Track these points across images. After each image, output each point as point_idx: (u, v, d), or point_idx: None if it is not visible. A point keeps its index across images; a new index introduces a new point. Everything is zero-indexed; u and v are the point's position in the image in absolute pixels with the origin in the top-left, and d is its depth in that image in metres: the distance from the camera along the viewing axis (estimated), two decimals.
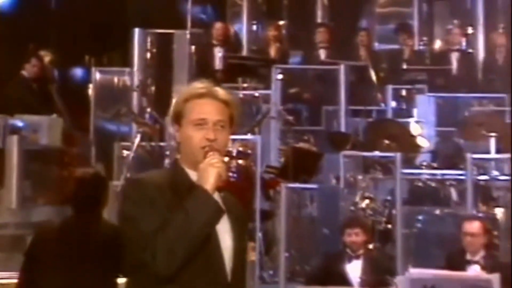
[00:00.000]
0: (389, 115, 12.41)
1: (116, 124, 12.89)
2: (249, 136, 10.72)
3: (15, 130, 11.76)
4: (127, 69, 13.45)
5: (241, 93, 11.82)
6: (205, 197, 3.56)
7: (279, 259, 9.55)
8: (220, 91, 3.80)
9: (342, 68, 12.02)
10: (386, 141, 10.65)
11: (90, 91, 13.62)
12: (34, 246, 6.07)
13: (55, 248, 5.84)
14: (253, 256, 9.41)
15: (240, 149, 10.27)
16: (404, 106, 12.58)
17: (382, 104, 12.57)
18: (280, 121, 11.51)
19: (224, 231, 3.69)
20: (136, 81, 13.19)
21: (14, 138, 11.65)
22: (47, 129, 12.15)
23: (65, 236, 5.89)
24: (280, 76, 12.03)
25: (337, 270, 8.55)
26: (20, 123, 11.85)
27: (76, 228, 5.91)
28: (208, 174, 3.58)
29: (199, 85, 3.81)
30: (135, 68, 13.34)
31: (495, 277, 8.35)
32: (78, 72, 14.19)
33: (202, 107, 3.73)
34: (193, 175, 3.68)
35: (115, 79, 13.60)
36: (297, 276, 9.73)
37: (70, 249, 5.77)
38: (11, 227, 11.31)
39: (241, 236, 3.80)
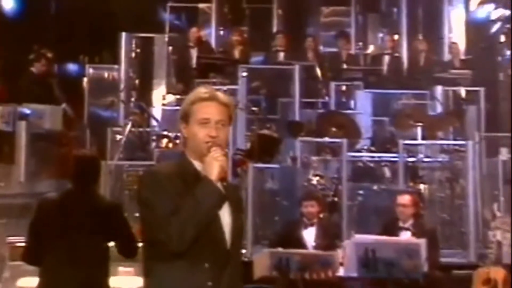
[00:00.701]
0: (332, 106, 12.34)
1: (108, 111, 12.98)
2: None
3: (23, 116, 11.69)
4: (115, 66, 13.40)
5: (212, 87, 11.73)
6: (210, 186, 3.59)
7: (247, 226, 9.44)
8: (220, 95, 3.81)
9: (296, 67, 12.03)
10: (334, 129, 10.67)
11: (84, 84, 13.54)
12: (37, 214, 5.98)
13: (55, 216, 5.80)
14: None
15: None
16: (344, 99, 12.56)
17: (326, 97, 12.48)
18: (246, 111, 11.47)
19: (224, 211, 3.71)
20: (122, 78, 13.26)
21: (23, 123, 11.61)
22: (50, 115, 12.12)
23: (64, 206, 5.84)
24: (244, 74, 12.03)
25: (295, 235, 8.62)
26: (27, 111, 11.78)
27: (73, 199, 5.84)
28: (213, 166, 3.60)
29: (203, 90, 3.82)
30: (122, 65, 13.30)
31: (422, 241, 8.50)
32: (74, 68, 14.09)
33: (206, 109, 3.72)
34: (198, 165, 3.69)
35: (106, 74, 13.53)
36: (261, 240, 9.74)
37: (68, 217, 5.73)
38: (20, 197, 11.25)
39: (238, 215, 3.81)
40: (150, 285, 3.77)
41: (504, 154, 10.91)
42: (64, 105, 12.04)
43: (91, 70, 13.59)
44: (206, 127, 3.70)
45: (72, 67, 13.98)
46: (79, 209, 5.78)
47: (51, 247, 5.71)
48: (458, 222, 9.77)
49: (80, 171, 5.93)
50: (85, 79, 13.59)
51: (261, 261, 8.62)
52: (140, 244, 5.10)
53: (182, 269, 3.62)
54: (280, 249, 8.23)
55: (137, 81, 13.48)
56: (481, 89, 12.55)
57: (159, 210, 3.61)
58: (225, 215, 3.72)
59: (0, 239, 10.51)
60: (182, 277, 3.63)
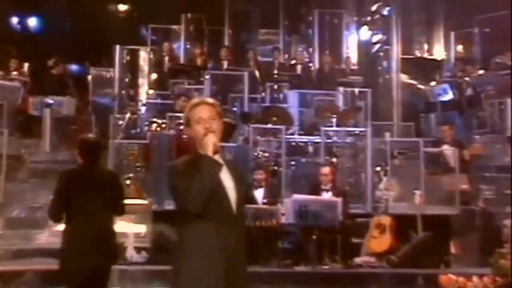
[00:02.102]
0: (267, 101, 12.14)
1: (109, 101, 12.76)
2: None
3: (48, 105, 11.54)
4: (111, 69, 13.18)
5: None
6: (208, 159, 3.55)
7: None
8: (207, 99, 3.82)
9: (246, 73, 11.87)
10: (274, 118, 10.59)
11: (89, 81, 13.34)
12: (59, 184, 5.69)
13: (72, 184, 5.56)
14: None
15: None
16: (275, 96, 12.35)
17: (263, 94, 12.29)
18: None
19: (227, 180, 3.65)
20: (116, 77, 13.06)
21: (47, 110, 11.48)
22: (66, 104, 11.94)
23: (78, 177, 5.61)
24: (207, 76, 11.87)
25: (249, 195, 8.49)
26: (50, 101, 11.61)
27: (84, 171, 5.60)
28: (208, 144, 3.56)
29: (196, 100, 3.83)
30: (116, 68, 13.09)
31: (339, 199, 8.61)
32: (81, 70, 13.71)
33: (199, 111, 3.68)
34: (203, 154, 3.60)
35: (104, 74, 13.30)
36: None
37: (81, 185, 5.52)
38: (45, 163, 11.08)
39: (241, 187, 3.72)
40: (180, 240, 3.68)
41: (387, 136, 10.94)
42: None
43: (93, 71, 13.29)
44: (201, 123, 3.65)
45: (80, 69, 13.49)
46: (89, 178, 5.57)
47: (70, 206, 5.51)
48: (359, 185, 9.79)
49: (87, 151, 5.68)
50: (89, 77, 13.30)
51: None
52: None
53: (203, 227, 3.57)
54: None
55: (126, 80, 13.31)
56: (369, 90, 12.58)
57: (180, 187, 3.57)
58: (228, 182, 3.65)
59: (34, 193, 10.34)
60: (201, 235, 3.58)
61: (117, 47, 13.12)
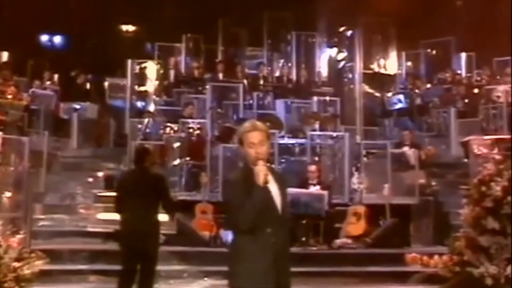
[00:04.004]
0: (254, 106, 12.08)
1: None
2: (202, 120, 10.42)
3: (75, 109, 11.49)
4: (124, 79, 13.06)
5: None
6: (259, 188, 3.44)
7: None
8: (259, 126, 3.65)
9: (241, 85, 11.85)
10: (268, 124, 10.31)
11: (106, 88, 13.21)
12: (119, 183, 5.95)
13: (128, 184, 5.72)
14: (206, 178, 9.02)
15: (199, 126, 10.00)
16: (261, 103, 12.36)
17: (250, 101, 12.29)
18: (214, 111, 11.19)
19: (272, 186, 3.56)
20: (128, 86, 12.91)
21: (75, 114, 11.41)
22: (90, 109, 11.88)
23: (133, 177, 5.78)
24: (208, 87, 11.80)
25: None
26: (77, 106, 11.56)
27: (137, 173, 5.75)
28: (259, 176, 3.45)
29: (247, 124, 3.67)
30: (129, 79, 12.95)
31: (325, 192, 8.75)
32: (100, 79, 13.56)
33: (251, 136, 3.56)
34: (254, 168, 3.52)
35: (119, 82, 13.17)
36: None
37: (135, 184, 5.65)
38: (73, 158, 11.06)
39: (284, 193, 3.66)
40: (235, 243, 3.60)
41: (358, 139, 11.05)
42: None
43: (110, 80, 13.13)
44: (253, 147, 3.55)
45: (98, 78, 13.32)
46: (141, 179, 5.66)
47: (127, 201, 5.60)
48: (339, 179, 9.75)
49: (139, 157, 5.84)
50: (106, 85, 13.15)
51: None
52: None
53: (253, 233, 3.51)
54: None
55: (136, 87, 13.20)
56: (338, 99, 12.70)
57: (232, 203, 3.51)
58: (274, 189, 3.58)
59: (64, 183, 10.28)
60: (253, 238, 3.52)
61: (129, 61, 12.98)
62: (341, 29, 14.13)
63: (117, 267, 6.05)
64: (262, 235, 3.52)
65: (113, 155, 10.89)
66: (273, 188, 3.60)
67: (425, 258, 5.15)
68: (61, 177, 10.30)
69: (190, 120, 9.93)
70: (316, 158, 9.85)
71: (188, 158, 9.41)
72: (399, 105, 13.14)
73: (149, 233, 5.51)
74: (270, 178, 3.57)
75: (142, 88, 12.90)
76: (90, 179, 10.14)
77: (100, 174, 10.24)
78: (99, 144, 11.42)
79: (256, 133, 3.59)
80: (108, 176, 9.67)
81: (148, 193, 5.56)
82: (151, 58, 13.44)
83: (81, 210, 9.42)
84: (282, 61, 14.07)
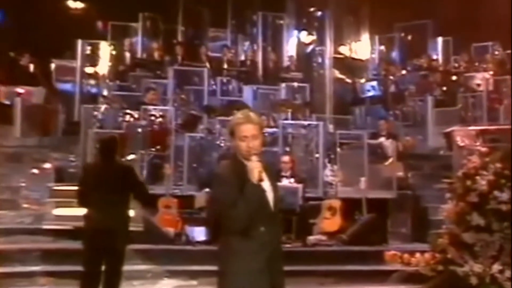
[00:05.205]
0: (218, 92, 11.95)
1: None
2: (166, 107, 10.22)
3: (18, 94, 11.11)
4: (74, 61, 12.63)
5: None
6: (253, 186, 3.44)
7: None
8: (253, 117, 3.62)
9: (205, 69, 11.71)
10: (235, 111, 10.31)
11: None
12: (82, 174, 5.83)
13: (93, 175, 5.64)
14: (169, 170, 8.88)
15: (161, 113, 9.80)
16: (225, 88, 12.17)
17: (214, 86, 12.11)
18: (178, 97, 10.96)
19: (265, 183, 3.54)
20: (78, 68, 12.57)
21: (18, 99, 11.06)
22: (36, 94, 11.53)
23: (97, 169, 5.71)
24: (171, 71, 11.53)
25: None
26: (21, 90, 11.18)
27: (102, 165, 5.69)
28: (253, 173, 3.44)
29: (240, 115, 3.64)
30: (78, 60, 12.56)
31: (300, 186, 8.73)
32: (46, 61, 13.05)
33: (244, 129, 3.54)
34: (245, 162, 3.52)
35: (67, 64, 12.74)
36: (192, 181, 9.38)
37: (100, 175, 5.58)
38: (16, 148, 10.70)
39: (276, 187, 3.67)
40: (225, 242, 3.59)
41: (331, 128, 11.09)
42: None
43: (57, 62, 12.69)
44: (245, 141, 3.53)
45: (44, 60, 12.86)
46: (106, 170, 5.59)
47: (92, 196, 5.51)
48: (312, 171, 9.74)
49: (107, 147, 5.74)
50: (53, 66, 12.66)
51: (200, 198, 8.63)
52: None
53: (246, 232, 3.51)
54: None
55: (87, 70, 12.85)
56: (307, 85, 12.65)
57: (224, 202, 3.49)
58: (269, 191, 3.57)
59: (7, 176, 9.96)
60: (246, 237, 3.51)
61: (80, 41, 12.61)
62: (311, 9, 14.11)
63: (73, 268, 5.91)
64: (256, 234, 3.51)
65: (61, 145, 10.59)
66: (266, 185, 3.57)
67: (405, 256, 5.16)
68: (2, 169, 9.93)
69: (151, 107, 9.70)
70: (288, 149, 9.81)
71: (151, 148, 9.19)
72: (372, 93, 13.22)
73: (117, 230, 5.39)
74: (263, 175, 3.53)
75: (93, 71, 12.55)
76: (36, 171, 9.81)
77: (48, 165, 9.90)
78: (46, 132, 11.03)
79: (249, 126, 3.55)
80: (59, 168, 9.37)
81: (117, 186, 5.48)
82: (104, 39, 13.07)
83: (26, 205, 9.11)
84: (247, 43, 13.97)
